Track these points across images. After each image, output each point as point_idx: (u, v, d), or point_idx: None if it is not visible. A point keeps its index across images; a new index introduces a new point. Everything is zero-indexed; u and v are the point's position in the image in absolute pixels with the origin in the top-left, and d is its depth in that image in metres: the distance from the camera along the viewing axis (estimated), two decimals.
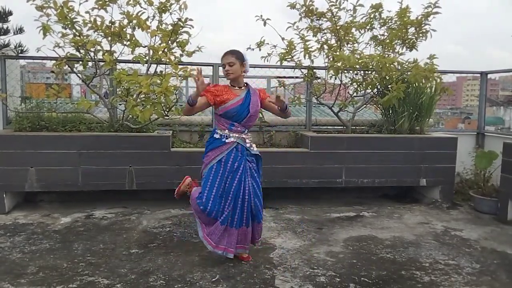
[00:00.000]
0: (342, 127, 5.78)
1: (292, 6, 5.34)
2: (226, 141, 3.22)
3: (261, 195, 3.37)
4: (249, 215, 3.27)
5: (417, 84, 5.33)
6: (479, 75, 6.11)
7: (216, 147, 3.24)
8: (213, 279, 3.04)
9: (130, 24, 4.54)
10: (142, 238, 3.86)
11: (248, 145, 3.28)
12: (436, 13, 5.30)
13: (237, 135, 3.24)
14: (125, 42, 4.60)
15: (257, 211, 3.30)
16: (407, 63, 5.21)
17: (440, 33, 5.47)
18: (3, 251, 3.48)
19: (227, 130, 3.23)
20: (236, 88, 3.29)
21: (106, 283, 2.95)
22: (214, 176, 3.21)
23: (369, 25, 5.49)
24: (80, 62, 4.64)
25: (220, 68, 5.43)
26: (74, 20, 4.42)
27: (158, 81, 4.14)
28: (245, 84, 3.37)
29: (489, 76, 6.10)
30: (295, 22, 5.27)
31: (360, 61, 5.17)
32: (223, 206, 3.21)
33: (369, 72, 5.41)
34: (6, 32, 4.76)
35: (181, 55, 4.80)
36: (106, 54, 4.49)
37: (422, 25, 5.35)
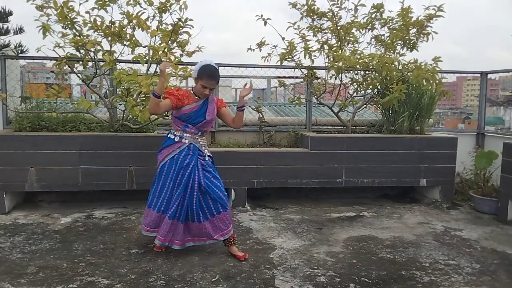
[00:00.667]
0: (342, 127, 5.78)
1: (294, 5, 5.34)
2: (181, 140, 3.39)
3: (221, 186, 3.45)
4: (198, 210, 3.36)
5: (417, 85, 5.32)
6: (479, 75, 6.11)
7: (169, 145, 3.41)
8: (213, 279, 3.04)
9: (130, 24, 4.54)
10: (142, 238, 3.86)
11: (200, 145, 3.42)
12: (440, 16, 5.30)
13: (190, 136, 3.40)
14: (125, 42, 4.60)
15: (215, 202, 3.39)
16: (407, 64, 5.21)
17: (439, 33, 5.47)
18: (3, 251, 3.48)
19: (181, 131, 3.40)
20: (196, 96, 3.42)
21: (106, 283, 2.95)
22: (166, 174, 3.38)
23: (370, 25, 5.49)
24: (80, 62, 4.64)
25: (221, 68, 5.47)
26: (74, 20, 4.42)
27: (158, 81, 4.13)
28: None
29: (489, 76, 6.10)
30: (295, 22, 5.27)
31: (360, 61, 5.17)
32: (172, 201, 3.36)
33: (370, 72, 5.41)
34: (6, 32, 4.76)
35: (181, 55, 4.80)
36: (106, 54, 4.49)
37: (424, 26, 5.34)
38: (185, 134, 3.40)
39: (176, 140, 3.38)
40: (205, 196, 3.38)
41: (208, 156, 3.49)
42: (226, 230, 3.43)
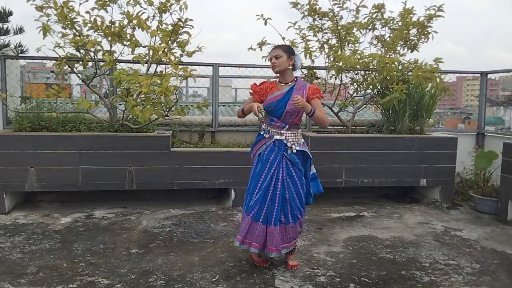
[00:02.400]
0: (342, 127, 5.78)
1: (294, 5, 5.34)
2: (265, 136, 3.20)
3: (300, 196, 3.18)
4: (279, 212, 3.13)
5: (417, 84, 5.32)
6: (479, 75, 6.11)
7: (258, 141, 3.26)
8: (213, 279, 3.04)
9: (130, 24, 4.54)
10: (142, 238, 3.86)
11: (286, 141, 3.15)
12: (440, 16, 5.30)
13: (275, 131, 3.15)
14: (125, 42, 4.60)
15: (288, 211, 3.14)
16: (408, 63, 5.21)
17: (439, 33, 5.47)
18: (3, 251, 3.48)
19: (268, 125, 3.20)
20: (283, 84, 3.20)
21: (106, 283, 2.95)
22: (253, 173, 3.21)
23: (371, 25, 5.49)
24: (80, 62, 4.65)
25: (221, 68, 5.48)
26: (74, 20, 4.42)
27: (158, 81, 4.14)
28: (295, 79, 3.23)
29: (489, 76, 6.10)
30: (296, 22, 5.27)
31: (360, 61, 5.17)
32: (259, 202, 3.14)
33: (370, 72, 5.41)
34: (6, 32, 4.76)
35: (181, 55, 4.80)
36: (106, 54, 4.49)
37: (425, 27, 5.34)
38: (271, 129, 3.16)
39: (264, 135, 3.20)
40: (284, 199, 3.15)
41: (298, 151, 3.17)
42: (289, 243, 3.18)
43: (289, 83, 3.19)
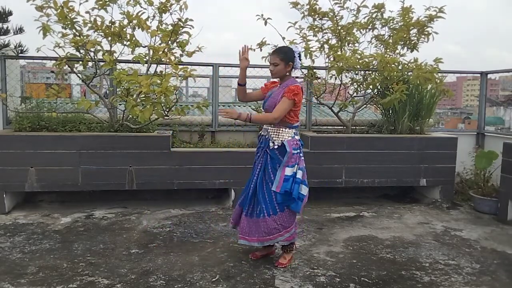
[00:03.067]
0: (342, 127, 5.78)
1: (294, 5, 5.33)
2: (260, 132, 3.41)
3: (269, 194, 3.21)
4: (249, 201, 3.31)
5: (418, 84, 5.32)
6: (479, 75, 6.11)
7: (258, 138, 3.49)
8: (213, 279, 3.04)
9: (130, 24, 4.54)
10: (142, 238, 3.86)
11: (269, 136, 3.26)
12: (440, 17, 5.30)
13: (264, 127, 3.35)
14: (125, 42, 4.60)
15: (263, 203, 3.21)
16: (408, 64, 5.21)
17: (439, 33, 5.47)
18: (3, 251, 3.48)
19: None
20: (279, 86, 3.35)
21: (106, 283, 2.95)
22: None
23: (371, 25, 5.49)
24: (80, 62, 4.64)
25: (221, 68, 5.48)
26: (74, 20, 4.42)
27: (158, 81, 4.14)
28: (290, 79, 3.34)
29: (489, 76, 6.10)
30: (296, 22, 5.27)
31: (360, 61, 5.17)
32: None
33: (370, 72, 5.41)
34: (6, 32, 4.76)
35: (181, 55, 4.80)
36: (106, 54, 4.49)
37: (425, 27, 5.34)
38: (264, 126, 3.36)
39: (260, 132, 3.41)
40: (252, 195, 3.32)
41: (281, 148, 3.21)
42: (263, 238, 3.22)
43: (276, 86, 3.38)
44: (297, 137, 3.31)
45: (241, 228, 3.34)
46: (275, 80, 3.44)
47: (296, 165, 3.23)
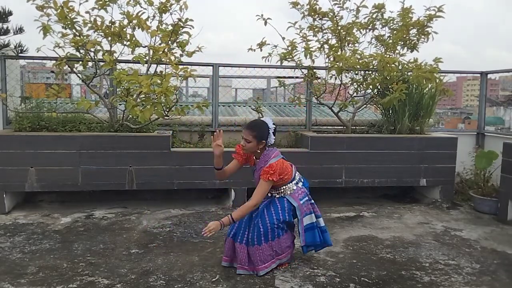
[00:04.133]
0: (342, 127, 5.78)
1: (294, 5, 5.33)
2: None
3: (264, 225, 3.16)
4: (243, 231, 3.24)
5: (417, 84, 5.32)
6: (479, 75, 6.11)
7: None
8: (213, 279, 3.04)
9: (130, 24, 4.54)
10: (142, 238, 3.86)
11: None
12: (440, 16, 5.30)
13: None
14: (125, 42, 4.60)
15: (251, 232, 3.18)
16: (408, 64, 5.21)
17: (439, 33, 5.48)
18: (3, 251, 3.48)
19: None
20: (256, 159, 3.33)
21: (106, 283, 2.95)
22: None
23: (371, 25, 5.49)
24: (80, 62, 4.65)
25: (221, 68, 5.48)
26: (74, 20, 4.42)
27: (158, 81, 4.14)
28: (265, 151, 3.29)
29: (489, 76, 6.10)
30: (296, 22, 5.27)
31: (360, 61, 5.17)
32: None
33: (370, 72, 5.41)
34: (6, 32, 4.76)
35: (181, 55, 4.80)
36: (106, 54, 4.49)
37: (425, 27, 5.34)
38: None
39: None
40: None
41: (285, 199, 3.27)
42: (260, 266, 3.13)
43: (257, 160, 3.29)
44: (300, 185, 3.33)
45: (238, 258, 3.21)
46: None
47: (312, 213, 3.28)
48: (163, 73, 4.50)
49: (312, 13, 5.31)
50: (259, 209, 3.25)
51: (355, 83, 5.57)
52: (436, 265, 3.39)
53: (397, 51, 5.56)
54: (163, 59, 4.42)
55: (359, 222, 4.51)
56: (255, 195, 3.15)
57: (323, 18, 5.34)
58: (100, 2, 4.48)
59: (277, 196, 3.30)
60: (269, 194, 3.30)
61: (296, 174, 3.38)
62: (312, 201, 3.35)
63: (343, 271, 3.24)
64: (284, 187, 3.28)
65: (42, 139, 4.55)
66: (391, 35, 5.53)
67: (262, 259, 3.11)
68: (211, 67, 5.39)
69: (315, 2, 5.24)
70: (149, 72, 4.70)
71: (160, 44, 4.59)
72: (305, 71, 5.48)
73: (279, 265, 3.24)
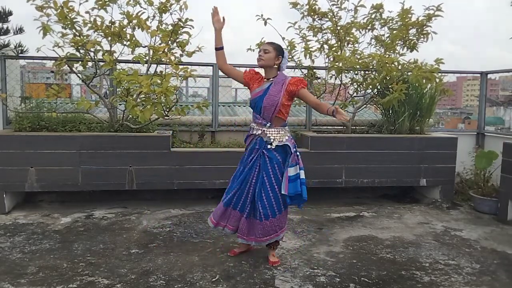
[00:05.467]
0: (342, 127, 5.78)
1: (294, 5, 5.34)
2: (250, 132, 3.30)
3: (275, 195, 3.20)
4: (249, 205, 3.28)
5: (417, 84, 5.32)
6: (479, 75, 6.11)
7: (246, 138, 3.37)
8: (213, 279, 3.04)
9: (130, 24, 4.54)
10: (142, 238, 3.86)
11: (267, 138, 3.18)
12: (439, 15, 5.30)
13: (257, 127, 3.23)
14: (125, 42, 4.60)
15: (262, 207, 3.19)
16: (408, 63, 5.21)
17: (439, 33, 5.48)
18: (3, 251, 3.48)
19: (253, 122, 3.28)
20: (265, 80, 3.26)
21: (106, 283, 2.95)
22: (238, 168, 3.37)
23: (370, 25, 5.49)
24: (80, 62, 4.64)
25: None
26: (74, 20, 4.42)
27: (159, 81, 4.14)
28: (277, 75, 3.24)
29: (489, 76, 6.10)
30: (295, 22, 5.27)
31: (360, 61, 5.17)
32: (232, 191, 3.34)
33: (370, 72, 5.41)
34: (6, 32, 4.76)
35: (181, 55, 4.80)
36: (106, 54, 4.49)
37: (424, 27, 5.34)
38: (255, 126, 3.23)
39: (250, 132, 3.29)
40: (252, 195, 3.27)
41: (280, 148, 3.19)
42: (260, 238, 3.25)
43: (271, 79, 3.22)
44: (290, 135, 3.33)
45: (239, 228, 3.33)
46: (258, 72, 3.35)
47: (297, 165, 3.21)
48: (163, 73, 4.50)
49: (312, 13, 5.31)
50: (258, 179, 3.23)
51: (355, 83, 5.57)
52: (436, 265, 3.39)
53: (396, 51, 5.57)
54: (163, 59, 4.42)
55: (359, 222, 4.51)
56: (316, 100, 3.26)
57: (323, 18, 5.34)
58: (100, 2, 4.47)
59: (275, 142, 3.17)
60: (267, 142, 3.19)
61: None
62: (298, 152, 3.26)
63: (343, 271, 3.24)
64: (285, 128, 3.26)
65: (42, 139, 4.54)
66: (390, 34, 5.53)
67: (264, 232, 3.21)
68: (211, 67, 5.39)
69: (314, 2, 5.25)
70: (149, 72, 4.69)
71: (160, 44, 4.59)
72: (305, 71, 5.48)
73: (275, 243, 3.35)
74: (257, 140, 3.23)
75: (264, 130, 3.20)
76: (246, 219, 3.28)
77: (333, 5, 5.24)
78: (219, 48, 3.29)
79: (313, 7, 5.26)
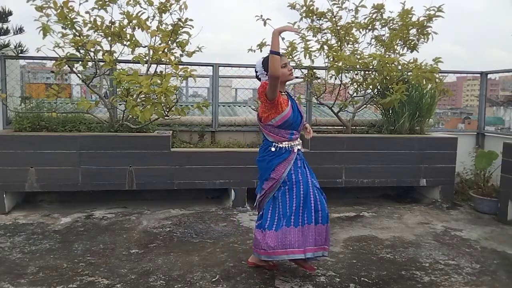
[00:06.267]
0: (342, 127, 5.78)
1: (292, 6, 5.34)
2: (291, 154, 3.04)
3: (320, 194, 3.21)
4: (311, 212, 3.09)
5: (417, 85, 5.33)
6: (479, 75, 6.11)
7: (284, 160, 3.03)
8: (213, 279, 3.04)
9: (130, 24, 4.54)
10: (142, 238, 3.86)
11: (300, 145, 3.15)
12: (439, 16, 5.30)
13: (297, 143, 3.09)
14: (125, 42, 4.60)
15: (322, 209, 3.14)
16: (408, 64, 5.21)
17: (439, 33, 5.47)
18: (3, 251, 3.48)
19: (286, 142, 3.03)
20: (283, 93, 3.04)
21: (106, 283, 2.95)
22: (288, 194, 3.07)
23: (371, 25, 5.49)
24: (80, 62, 4.65)
25: (220, 68, 5.48)
26: (74, 20, 4.42)
27: (159, 81, 4.14)
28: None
29: (489, 76, 6.10)
30: (295, 22, 5.27)
31: (360, 61, 5.17)
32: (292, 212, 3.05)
33: (370, 72, 5.41)
34: (6, 32, 4.76)
35: (181, 55, 4.80)
36: (106, 54, 4.49)
37: (425, 27, 5.34)
38: (290, 144, 3.04)
39: (288, 154, 3.02)
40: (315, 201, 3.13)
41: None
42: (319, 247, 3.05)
43: (284, 92, 3.07)
44: None
45: (290, 243, 2.97)
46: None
47: None
48: (163, 73, 4.50)
49: (310, 14, 5.31)
50: (303, 185, 3.06)
51: (355, 83, 5.57)
52: (436, 265, 3.39)
53: (397, 51, 5.56)
54: (163, 59, 4.42)
55: (359, 222, 4.51)
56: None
57: (322, 19, 5.34)
58: (100, 2, 4.48)
59: (299, 148, 3.12)
60: (300, 149, 3.11)
61: None
62: None
63: (343, 271, 3.24)
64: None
65: (42, 139, 4.55)
66: (390, 34, 5.53)
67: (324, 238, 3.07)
68: (211, 67, 5.40)
69: (311, 3, 5.24)
70: (149, 72, 4.70)
71: (160, 44, 4.59)
72: (305, 71, 5.48)
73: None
74: (297, 155, 3.09)
75: (300, 142, 3.13)
76: (297, 227, 3.02)
77: (333, 4, 5.23)
78: (279, 53, 2.89)
79: (311, 8, 5.26)
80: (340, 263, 3.38)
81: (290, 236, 2.97)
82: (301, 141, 3.17)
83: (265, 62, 3.00)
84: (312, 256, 3.03)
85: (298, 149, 3.11)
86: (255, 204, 3.29)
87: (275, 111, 2.94)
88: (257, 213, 3.28)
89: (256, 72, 3.12)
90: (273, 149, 3.04)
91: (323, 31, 5.39)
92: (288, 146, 3.04)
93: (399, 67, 5.19)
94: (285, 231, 2.97)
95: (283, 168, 3.03)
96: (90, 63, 4.67)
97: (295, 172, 3.07)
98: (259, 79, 3.10)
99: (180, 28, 4.67)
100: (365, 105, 5.81)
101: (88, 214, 4.53)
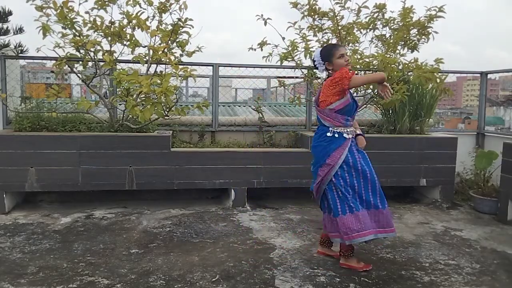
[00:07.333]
0: None
1: (294, 5, 5.33)
2: (347, 137, 3.16)
3: (377, 179, 3.27)
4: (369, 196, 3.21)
5: (418, 85, 5.32)
6: (479, 75, 6.11)
7: (339, 146, 3.14)
8: (213, 279, 3.04)
9: (130, 24, 4.54)
10: (142, 238, 3.86)
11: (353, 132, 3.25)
12: (440, 16, 5.30)
13: (351, 129, 3.21)
14: (125, 42, 4.60)
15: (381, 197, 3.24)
16: (408, 64, 5.20)
17: (439, 33, 5.47)
18: (3, 251, 3.48)
19: (342, 127, 3.16)
20: None
21: (106, 283, 2.95)
22: (348, 178, 3.16)
23: (372, 25, 5.48)
24: (80, 62, 4.65)
25: (221, 68, 5.48)
26: (74, 20, 4.42)
27: (158, 81, 4.14)
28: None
29: (489, 76, 6.10)
30: (296, 22, 5.27)
31: (361, 61, 5.16)
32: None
33: (370, 72, 5.40)
34: (6, 32, 4.76)
35: (181, 55, 4.80)
36: (106, 54, 4.49)
37: (425, 27, 5.33)
38: (347, 129, 3.18)
39: (344, 139, 3.14)
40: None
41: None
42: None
43: None
44: None
45: (365, 224, 3.11)
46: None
47: None
48: (163, 73, 4.50)
49: (312, 13, 5.30)
50: (363, 166, 3.18)
51: None
52: (436, 265, 3.39)
53: (397, 51, 5.56)
54: (163, 59, 4.42)
55: None
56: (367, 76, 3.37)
57: (323, 18, 5.33)
58: (100, 2, 4.47)
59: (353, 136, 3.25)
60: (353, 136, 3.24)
61: None
62: None
63: (343, 271, 3.24)
64: None
65: (42, 139, 4.55)
66: (392, 35, 5.53)
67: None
68: (211, 67, 5.39)
69: (314, 2, 5.24)
70: (149, 72, 4.70)
71: (160, 44, 4.59)
72: (305, 71, 5.48)
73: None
74: (352, 141, 3.21)
75: (353, 130, 3.26)
76: (369, 210, 3.20)
77: (336, 3, 5.23)
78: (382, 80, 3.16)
79: (314, 7, 5.26)
80: None
81: (364, 218, 3.12)
82: (353, 129, 3.26)
83: (323, 52, 3.18)
84: (379, 237, 3.23)
85: (352, 136, 3.21)
86: (312, 192, 3.37)
87: (340, 96, 3.10)
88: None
89: (314, 61, 3.24)
90: (329, 134, 3.16)
91: (324, 31, 5.39)
92: (343, 132, 3.16)
93: (400, 67, 5.19)
94: (358, 215, 3.11)
95: (338, 154, 3.13)
96: (90, 63, 4.67)
97: (352, 157, 3.17)
98: (317, 68, 3.28)
99: (180, 28, 4.66)
100: (365, 105, 5.80)
101: (88, 214, 4.53)
